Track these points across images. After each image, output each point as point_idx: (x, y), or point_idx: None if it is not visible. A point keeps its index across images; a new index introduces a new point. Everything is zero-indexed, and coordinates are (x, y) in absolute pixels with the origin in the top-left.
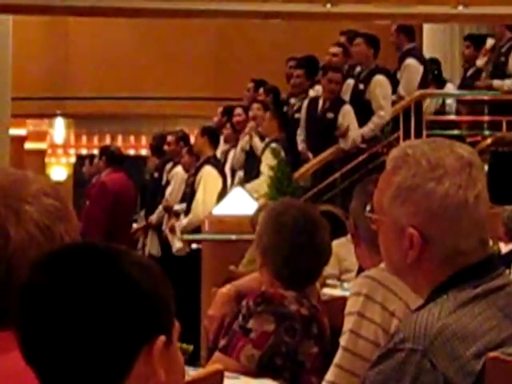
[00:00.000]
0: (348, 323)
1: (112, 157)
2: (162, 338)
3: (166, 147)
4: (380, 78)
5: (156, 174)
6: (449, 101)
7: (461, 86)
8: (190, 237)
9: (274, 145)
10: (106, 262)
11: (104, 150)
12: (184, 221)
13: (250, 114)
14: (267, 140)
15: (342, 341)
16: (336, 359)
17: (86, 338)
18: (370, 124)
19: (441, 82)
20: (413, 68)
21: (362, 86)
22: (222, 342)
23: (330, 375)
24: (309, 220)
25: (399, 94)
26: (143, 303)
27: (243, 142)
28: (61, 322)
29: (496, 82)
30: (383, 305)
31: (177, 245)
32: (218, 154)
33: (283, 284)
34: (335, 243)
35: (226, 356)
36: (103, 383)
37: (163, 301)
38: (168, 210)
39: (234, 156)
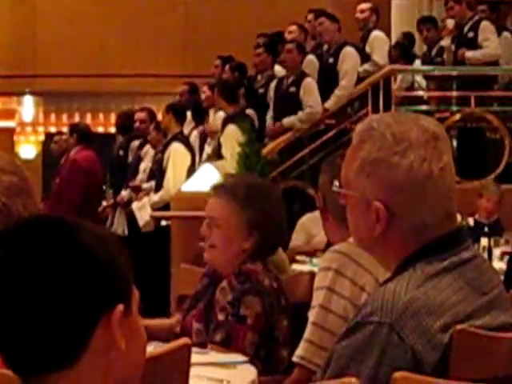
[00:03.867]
0: (317, 298)
1: (83, 134)
2: (120, 306)
3: (137, 124)
4: (349, 50)
5: (121, 152)
6: (418, 78)
7: (423, 63)
8: (159, 214)
9: (240, 121)
10: (62, 233)
11: (74, 128)
12: (155, 197)
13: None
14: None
15: (312, 316)
16: (306, 334)
17: (43, 309)
18: (332, 97)
19: (410, 58)
20: (381, 39)
21: (331, 60)
22: (218, 336)
23: (300, 350)
24: (277, 194)
25: (375, 62)
26: (99, 272)
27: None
28: (18, 294)
29: (467, 53)
30: (353, 279)
31: (144, 218)
32: (186, 131)
33: (252, 257)
34: (307, 217)
35: (227, 349)
36: (63, 354)
37: (120, 270)
38: (136, 190)
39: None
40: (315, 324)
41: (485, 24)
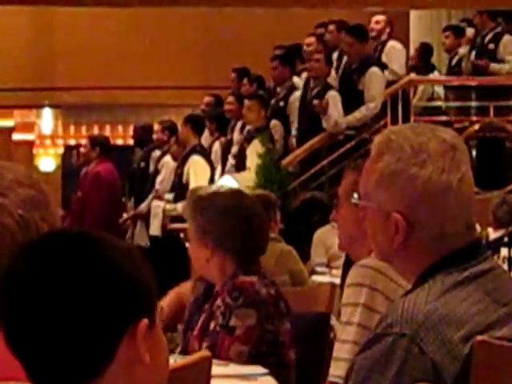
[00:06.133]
0: (351, 315)
1: (104, 147)
2: (145, 320)
3: (154, 136)
4: (376, 71)
5: (142, 164)
6: (437, 88)
7: (448, 74)
8: (178, 226)
9: (261, 133)
10: (86, 247)
11: (96, 140)
12: (181, 208)
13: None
14: (250, 129)
15: (349, 334)
16: (344, 353)
17: (68, 324)
18: (356, 113)
19: (428, 68)
20: (398, 49)
21: (355, 77)
22: (204, 344)
23: (340, 370)
24: (244, 198)
25: (395, 72)
26: (124, 286)
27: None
28: (43, 309)
29: (493, 66)
30: (386, 295)
31: (155, 229)
32: (205, 144)
33: (238, 267)
34: (321, 231)
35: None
36: (88, 368)
37: (144, 283)
38: (159, 200)
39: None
40: (356, 343)
41: (508, 38)
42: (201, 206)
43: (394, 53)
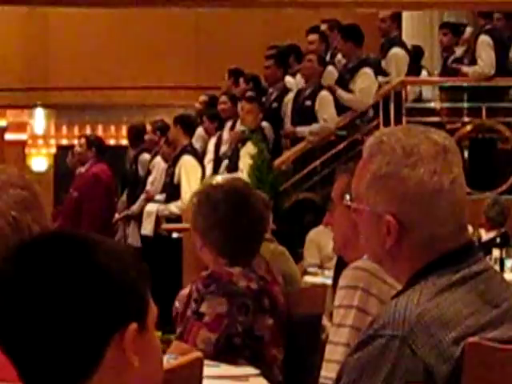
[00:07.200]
0: (344, 318)
1: (101, 148)
2: (134, 325)
3: (146, 136)
4: (367, 71)
5: (134, 166)
6: (425, 90)
7: (441, 74)
8: (171, 226)
9: (254, 134)
10: (75, 251)
11: (93, 141)
12: (173, 208)
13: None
14: (244, 130)
15: (341, 337)
16: (336, 355)
17: (54, 327)
18: (350, 95)
19: (417, 70)
20: (401, 57)
21: (347, 76)
22: (178, 330)
23: (332, 373)
24: (240, 192)
25: (389, 81)
26: (112, 291)
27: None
28: (30, 311)
29: (463, 68)
30: (379, 297)
31: (147, 229)
32: (198, 144)
33: (228, 259)
34: (314, 231)
35: (182, 343)
36: (76, 371)
37: (135, 287)
38: (149, 201)
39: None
40: (348, 345)
41: (481, 39)
42: (199, 195)
43: (396, 61)
